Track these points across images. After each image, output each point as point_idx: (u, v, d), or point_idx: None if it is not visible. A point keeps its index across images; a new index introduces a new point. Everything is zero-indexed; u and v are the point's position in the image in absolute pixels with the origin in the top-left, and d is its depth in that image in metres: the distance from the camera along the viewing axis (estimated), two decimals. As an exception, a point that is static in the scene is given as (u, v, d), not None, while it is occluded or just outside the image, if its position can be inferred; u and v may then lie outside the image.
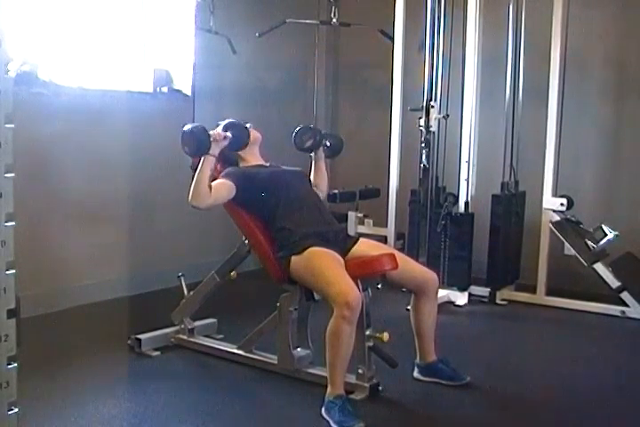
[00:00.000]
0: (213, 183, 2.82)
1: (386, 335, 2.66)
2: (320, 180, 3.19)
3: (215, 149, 2.79)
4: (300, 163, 3.24)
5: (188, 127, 2.78)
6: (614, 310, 3.93)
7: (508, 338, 3.67)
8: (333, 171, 5.58)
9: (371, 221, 4.82)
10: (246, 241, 3.03)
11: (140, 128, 4.08)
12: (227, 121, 2.99)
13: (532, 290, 4.22)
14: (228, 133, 2.85)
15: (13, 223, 1.43)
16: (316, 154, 3.17)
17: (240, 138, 2.92)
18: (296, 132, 3.10)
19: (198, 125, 2.79)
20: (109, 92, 4.05)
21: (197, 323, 3.34)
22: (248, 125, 3.02)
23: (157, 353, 3.17)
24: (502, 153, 4.26)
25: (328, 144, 3.20)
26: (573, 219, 4.16)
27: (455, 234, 4.14)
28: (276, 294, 2.84)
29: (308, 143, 3.10)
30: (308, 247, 2.69)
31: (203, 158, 2.77)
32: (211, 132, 2.79)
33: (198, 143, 2.75)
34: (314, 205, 2.94)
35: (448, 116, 4.13)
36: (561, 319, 3.94)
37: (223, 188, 2.83)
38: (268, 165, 3.07)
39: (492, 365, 3.17)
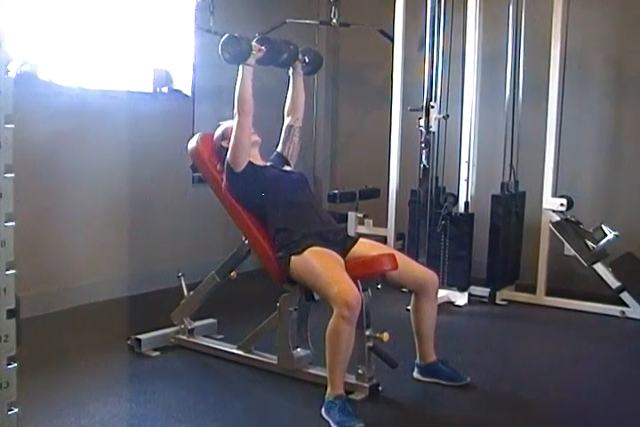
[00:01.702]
0: None
1: (386, 335, 2.66)
2: (298, 99, 3.15)
3: (251, 60, 2.83)
4: (299, 162, 3.23)
5: (230, 35, 2.82)
6: (614, 310, 3.93)
7: (508, 338, 3.67)
8: (333, 171, 5.60)
9: (371, 222, 4.82)
10: (246, 241, 3.03)
11: (139, 128, 4.08)
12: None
13: (532, 290, 4.22)
14: (263, 47, 2.88)
15: (13, 223, 1.43)
16: (293, 69, 3.14)
17: (273, 52, 2.94)
18: (269, 44, 3.01)
19: (237, 34, 2.82)
20: (109, 92, 4.05)
21: (197, 323, 3.34)
22: None
23: (157, 353, 3.17)
24: (502, 153, 4.27)
25: (306, 59, 3.14)
26: (573, 219, 4.16)
27: (455, 234, 4.14)
28: (276, 294, 2.84)
29: (284, 55, 3.04)
30: (308, 247, 2.69)
31: (242, 68, 2.81)
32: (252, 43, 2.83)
33: (240, 49, 2.79)
34: (313, 207, 2.95)
35: (448, 116, 4.13)
36: (561, 320, 3.94)
37: (250, 137, 2.88)
38: (268, 165, 3.07)
39: (491, 365, 3.17)
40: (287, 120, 3.16)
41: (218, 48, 2.83)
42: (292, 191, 2.91)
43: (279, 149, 3.16)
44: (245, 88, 2.82)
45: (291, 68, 3.13)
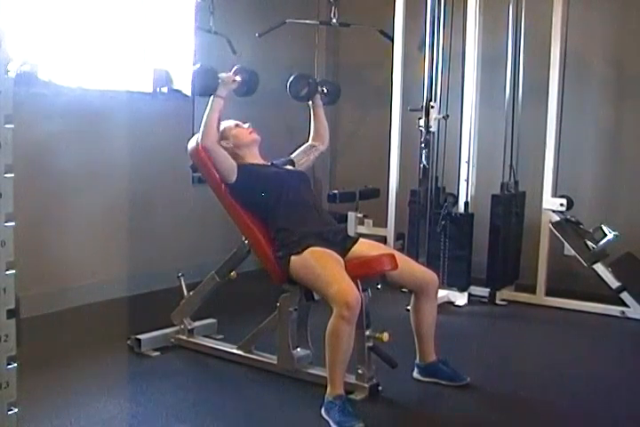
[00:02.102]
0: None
1: (385, 335, 2.66)
2: (321, 129, 3.19)
3: (222, 91, 2.84)
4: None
5: (197, 67, 2.85)
6: (614, 310, 3.93)
7: (508, 338, 3.67)
8: (333, 171, 5.60)
9: (370, 222, 4.82)
10: (246, 241, 3.03)
11: (139, 128, 4.08)
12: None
13: (532, 290, 4.22)
14: (238, 77, 2.89)
15: (13, 223, 1.43)
16: (313, 102, 3.16)
17: (249, 83, 2.96)
18: (290, 82, 3.09)
19: (207, 66, 2.85)
20: (109, 92, 4.05)
21: (197, 323, 3.34)
22: (247, 125, 3.03)
23: (157, 353, 3.17)
24: (502, 153, 4.26)
25: (325, 90, 3.18)
26: (573, 219, 4.16)
27: (455, 234, 4.14)
28: (276, 294, 2.84)
29: (304, 91, 3.08)
30: (308, 247, 2.69)
31: (211, 99, 2.82)
32: (221, 75, 2.84)
33: (205, 82, 2.81)
34: (313, 206, 2.95)
35: (448, 116, 4.13)
36: (561, 320, 3.94)
37: (229, 160, 2.88)
38: (268, 164, 3.07)
39: (491, 365, 3.17)
40: (312, 141, 3.20)
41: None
42: (292, 190, 2.91)
43: (292, 156, 3.19)
44: (211, 119, 2.83)
45: (310, 101, 3.16)
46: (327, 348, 2.53)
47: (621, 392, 2.88)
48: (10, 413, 1.46)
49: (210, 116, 2.82)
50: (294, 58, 5.20)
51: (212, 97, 2.83)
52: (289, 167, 3.10)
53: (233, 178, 2.87)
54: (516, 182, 4.30)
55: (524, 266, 4.38)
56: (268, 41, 4.65)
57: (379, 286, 2.94)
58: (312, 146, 3.19)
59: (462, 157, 4.19)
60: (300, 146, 3.22)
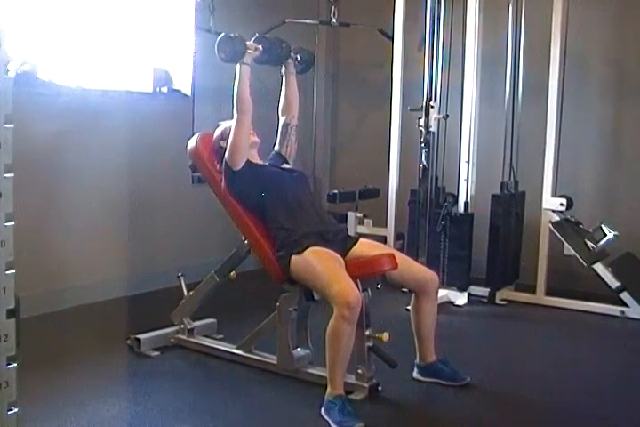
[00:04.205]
0: None
1: (385, 335, 2.66)
2: (291, 97, 3.14)
3: (248, 58, 2.84)
4: (299, 162, 3.23)
5: (224, 35, 2.83)
6: (614, 310, 3.93)
7: (508, 338, 3.67)
8: (333, 171, 5.60)
9: (370, 222, 4.83)
10: (246, 241, 3.03)
11: (139, 128, 4.08)
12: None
13: (532, 290, 4.22)
14: (260, 46, 2.90)
15: (13, 223, 1.43)
16: (286, 68, 3.13)
17: (270, 51, 2.95)
18: (258, 41, 3.00)
19: (234, 34, 2.83)
20: (109, 92, 4.05)
21: (197, 323, 3.34)
22: None
23: (157, 353, 3.17)
24: (502, 153, 4.27)
25: (298, 58, 3.14)
26: (573, 219, 4.16)
27: (455, 234, 4.14)
28: (276, 294, 2.84)
29: (277, 53, 3.03)
30: (308, 247, 2.69)
31: (239, 67, 2.81)
32: (247, 42, 2.84)
33: (234, 49, 2.80)
34: (313, 206, 2.95)
35: (448, 116, 4.13)
36: (560, 319, 3.94)
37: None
38: (268, 164, 3.07)
39: (491, 365, 3.17)
40: (282, 119, 3.15)
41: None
42: (291, 190, 2.91)
43: (276, 148, 3.15)
44: (243, 87, 2.82)
45: (283, 67, 3.12)
46: (327, 348, 2.53)
47: (621, 392, 2.88)
48: (10, 413, 1.46)
49: (241, 83, 2.82)
50: (294, 58, 5.20)
51: (238, 66, 2.82)
52: (287, 166, 3.09)
53: (240, 164, 2.87)
54: (516, 182, 4.30)
55: (524, 266, 4.38)
56: (268, 41, 4.65)
57: (379, 286, 2.94)
58: (286, 125, 3.13)
59: (462, 157, 4.19)
60: (276, 134, 3.16)
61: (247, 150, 2.90)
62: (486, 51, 4.21)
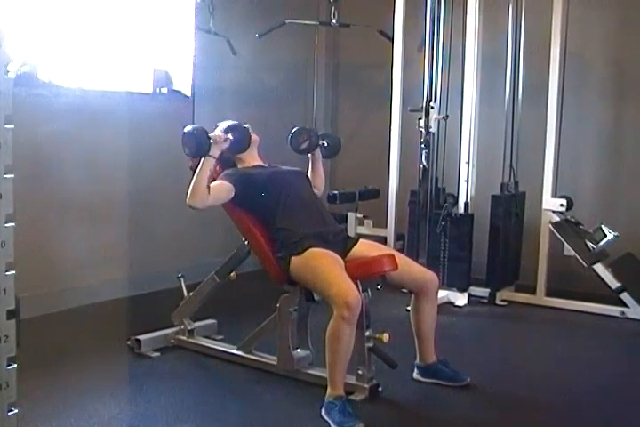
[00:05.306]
0: (212, 184, 2.82)
1: (386, 336, 2.66)
2: (317, 181, 3.19)
3: (215, 151, 2.79)
4: (300, 163, 3.23)
5: (188, 129, 2.80)
6: (614, 310, 3.93)
7: (508, 339, 3.67)
8: (333, 171, 5.60)
9: (370, 222, 4.83)
10: (246, 242, 3.03)
11: (139, 129, 4.08)
12: (228, 123, 2.99)
13: (532, 291, 4.21)
14: (229, 136, 2.86)
15: (13, 224, 1.43)
16: (313, 155, 3.17)
17: (241, 141, 2.94)
18: (292, 135, 3.09)
19: (199, 127, 2.80)
20: (109, 92, 4.05)
21: (197, 324, 3.33)
22: (246, 125, 3.03)
23: (157, 354, 3.17)
24: (502, 153, 4.26)
25: (325, 144, 3.19)
26: (573, 219, 4.16)
27: (455, 235, 4.14)
28: (276, 294, 2.84)
29: (304, 145, 3.08)
30: (308, 248, 2.68)
31: (202, 159, 2.77)
32: (211, 134, 2.80)
33: (198, 145, 2.76)
34: (314, 206, 2.94)
35: (448, 116, 4.13)
36: (560, 320, 3.94)
37: (222, 189, 2.84)
38: (266, 165, 3.07)
39: (491, 366, 3.17)
40: None
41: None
42: (291, 190, 2.90)
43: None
44: (201, 180, 2.74)
45: (309, 154, 3.16)
46: (327, 348, 2.53)
47: (621, 392, 2.88)
48: (10, 413, 1.46)
49: (200, 177, 2.74)
50: (294, 58, 5.21)
51: (203, 158, 2.77)
52: (286, 167, 3.09)
53: (232, 196, 2.85)
54: (516, 183, 4.30)
55: (524, 266, 4.38)
56: (268, 41, 4.65)
57: (379, 287, 2.95)
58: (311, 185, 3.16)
59: (462, 158, 4.18)
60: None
61: (227, 197, 2.84)
62: (486, 51, 4.21)
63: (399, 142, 4.42)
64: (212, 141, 2.77)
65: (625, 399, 2.81)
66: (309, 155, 3.17)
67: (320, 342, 2.57)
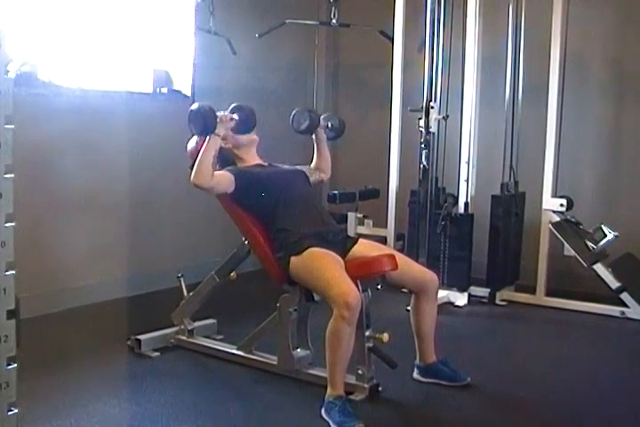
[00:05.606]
0: (215, 173, 2.82)
1: (385, 336, 2.66)
2: (323, 163, 3.18)
3: (221, 130, 2.80)
4: (302, 156, 3.23)
5: (195, 106, 2.81)
6: (614, 310, 3.93)
7: (508, 339, 3.67)
8: (333, 171, 5.58)
9: (370, 222, 4.82)
10: (246, 242, 3.03)
11: (139, 129, 4.08)
12: (235, 104, 2.99)
13: (532, 291, 4.21)
14: (235, 116, 2.88)
15: (13, 224, 1.43)
16: (316, 136, 3.14)
17: (246, 121, 2.93)
18: (292, 116, 3.08)
19: (206, 105, 2.80)
20: (109, 92, 4.05)
21: (197, 324, 3.34)
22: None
23: (157, 354, 3.17)
24: (502, 154, 4.26)
25: (330, 125, 3.18)
26: (573, 219, 4.16)
27: (455, 235, 4.14)
28: (276, 294, 2.84)
29: (305, 125, 3.06)
30: (308, 248, 2.68)
31: (208, 137, 2.78)
32: (218, 113, 2.81)
33: (204, 122, 2.76)
34: (313, 206, 2.94)
35: (448, 116, 4.13)
36: (560, 320, 3.94)
37: (224, 176, 2.85)
38: (266, 164, 3.07)
39: (491, 365, 3.17)
40: (313, 172, 3.18)
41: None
42: (291, 190, 2.90)
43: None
44: (206, 159, 2.75)
45: (313, 134, 3.14)
46: (327, 348, 2.53)
47: (621, 392, 2.88)
48: (10, 413, 1.46)
49: (205, 156, 2.74)
50: (294, 58, 5.21)
51: (208, 136, 2.78)
52: (286, 166, 3.09)
53: (232, 189, 2.85)
54: (516, 183, 4.30)
55: (524, 266, 4.38)
56: (268, 41, 4.65)
57: (379, 287, 2.95)
58: (317, 168, 3.18)
59: (462, 158, 4.18)
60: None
61: (227, 185, 2.84)
62: (486, 51, 4.20)
63: (399, 142, 4.42)
64: (217, 120, 2.78)
65: (625, 399, 2.81)
66: (313, 137, 3.15)
67: (320, 341, 2.57)
